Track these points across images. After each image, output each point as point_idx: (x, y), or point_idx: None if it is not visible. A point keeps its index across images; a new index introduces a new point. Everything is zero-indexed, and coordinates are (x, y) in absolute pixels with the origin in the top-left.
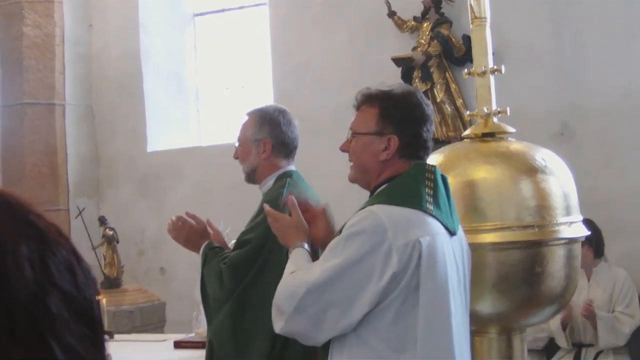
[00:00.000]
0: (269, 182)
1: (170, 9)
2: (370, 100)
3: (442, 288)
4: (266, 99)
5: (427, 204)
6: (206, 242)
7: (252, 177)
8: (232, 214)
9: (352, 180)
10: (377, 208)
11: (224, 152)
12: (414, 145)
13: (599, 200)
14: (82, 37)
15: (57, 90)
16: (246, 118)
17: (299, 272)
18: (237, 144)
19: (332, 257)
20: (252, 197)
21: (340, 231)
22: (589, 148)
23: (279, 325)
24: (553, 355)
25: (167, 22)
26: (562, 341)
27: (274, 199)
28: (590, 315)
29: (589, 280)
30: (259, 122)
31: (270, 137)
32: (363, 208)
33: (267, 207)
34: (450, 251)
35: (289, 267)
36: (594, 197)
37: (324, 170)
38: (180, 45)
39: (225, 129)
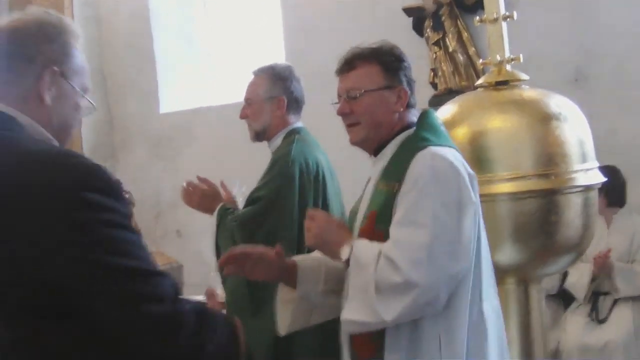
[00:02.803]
0: (278, 139)
1: None
2: (367, 58)
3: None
4: (277, 55)
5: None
6: (220, 204)
7: (261, 135)
8: (246, 172)
9: (361, 141)
10: (435, 149)
11: (237, 111)
12: (414, 93)
13: (616, 146)
14: None
15: None
16: (253, 77)
17: (396, 244)
18: (245, 103)
19: (425, 206)
20: (265, 155)
21: (397, 184)
22: (604, 92)
23: (402, 305)
24: (569, 303)
25: None
26: (580, 294)
27: (282, 156)
28: (607, 266)
29: (608, 228)
30: (272, 80)
31: (284, 94)
32: (407, 154)
33: (311, 212)
34: None
35: (369, 255)
36: (611, 142)
37: (336, 124)
38: (189, 3)
39: (237, 87)
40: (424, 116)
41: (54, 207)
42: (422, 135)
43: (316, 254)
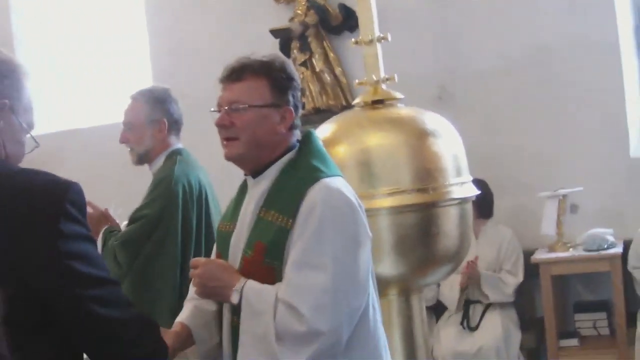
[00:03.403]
0: (159, 161)
1: None
2: (256, 71)
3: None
4: (145, 78)
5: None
6: (105, 227)
7: (144, 158)
8: (118, 195)
9: (237, 157)
10: (328, 182)
11: (106, 134)
12: (298, 115)
13: (479, 161)
14: None
15: None
16: (132, 101)
17: (296, 289)
18: (125, 127)
19: (324, 247)
20: (138, 177)
21: (291, 220)
22: (468, 110)
23: (308, 353)
24: (441, 313)
25: (38, 3)
26: (453, 305)
27: (165, 177)
28: (473, 273)
29: (477, 238)
30: (151, 103)
31: (165, 116)
32: (298, 186)
33: (193, 261)
34: None
35: (265, 301)
36: (475, 158)
37: (208, 146)
38: (54, 26)
39: (104, 110)
40: (309, 140)
41: (42, 219)
42: (311, 164)
43: (191, 302)
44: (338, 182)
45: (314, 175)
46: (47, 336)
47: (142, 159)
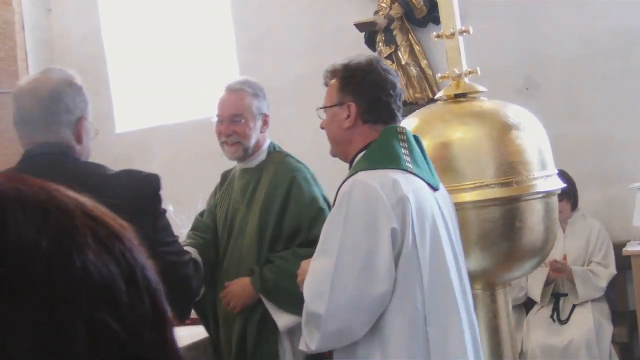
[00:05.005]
0: (261, 155)
1: None
2: (333, 75)
3: (436, 240)
4: (231, 72)
5: (406, 163)
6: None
7: (248, 153)
8: (206, 188)
9: (333, 155)
10: (360, 175)
11: (193, 128)
12: (374, 109)
13: (567, 151)
14: (42, 22)
15: (21, 77)
16: (237, 92)
17: (308, 276)
18: (217, 119)
19: (333, 234)
20: (222, 168)
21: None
22: (554, 98)
23: (318, 336)
24: (530, 307)
25: (126, 0)
26: (537, 297)
27: (294, 168)
28: (566, 270)
29: (564, 232)
30: (258, 95)
31: (268, 109)
32: (345, 180)
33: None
34: (435, 204)
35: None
36: (562, 148)
37: (291, 139)
38: (141, 23)
39: (191, 104)
40: (380, 135)
41: (147, 202)
42: (362, 159)
43: None
44: (368, 174)
45: (354, 171)
46: None
47: (247, 153)
